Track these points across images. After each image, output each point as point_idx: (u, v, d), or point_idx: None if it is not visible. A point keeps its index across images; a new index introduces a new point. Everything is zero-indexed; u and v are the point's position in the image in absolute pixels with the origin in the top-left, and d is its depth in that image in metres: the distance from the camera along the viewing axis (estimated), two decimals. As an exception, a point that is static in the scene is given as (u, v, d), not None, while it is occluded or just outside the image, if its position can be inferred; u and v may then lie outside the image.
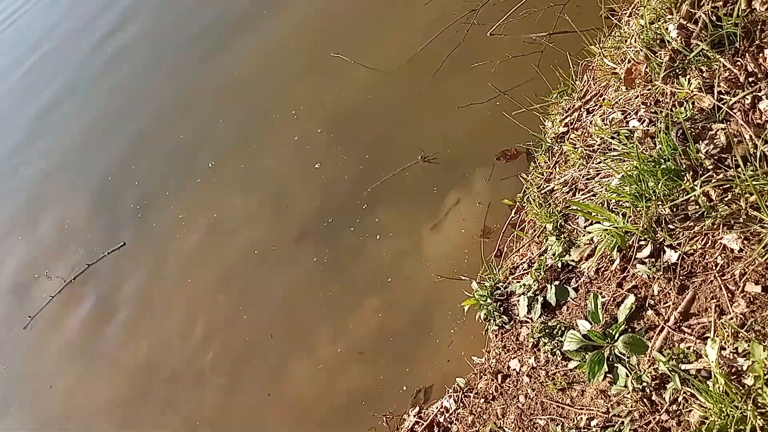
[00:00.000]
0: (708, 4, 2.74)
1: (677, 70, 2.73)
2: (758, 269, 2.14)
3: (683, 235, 2.39)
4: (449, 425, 3.10)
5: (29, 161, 6.54)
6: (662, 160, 2.47)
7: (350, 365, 3.63)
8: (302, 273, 4.11)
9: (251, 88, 5.56)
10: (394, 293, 3.73)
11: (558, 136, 3.41)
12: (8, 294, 5.44)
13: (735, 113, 2.41)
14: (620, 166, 2.63)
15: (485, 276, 3.30)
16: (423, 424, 3.22)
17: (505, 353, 2.99)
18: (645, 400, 2.26)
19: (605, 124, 2.96)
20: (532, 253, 3.15)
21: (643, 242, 2.51)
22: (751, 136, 2.30)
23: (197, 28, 6.55)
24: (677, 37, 2.75)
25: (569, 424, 2.47)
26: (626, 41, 3.11)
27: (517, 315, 2.99)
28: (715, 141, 2.43)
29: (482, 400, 2.96)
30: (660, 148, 2.50)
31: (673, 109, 2.63)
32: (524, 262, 3.16)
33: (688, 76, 2.67)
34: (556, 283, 2.85)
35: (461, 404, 3.08)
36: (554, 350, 2.68)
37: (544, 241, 3.04)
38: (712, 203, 2.31)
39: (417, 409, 3.34)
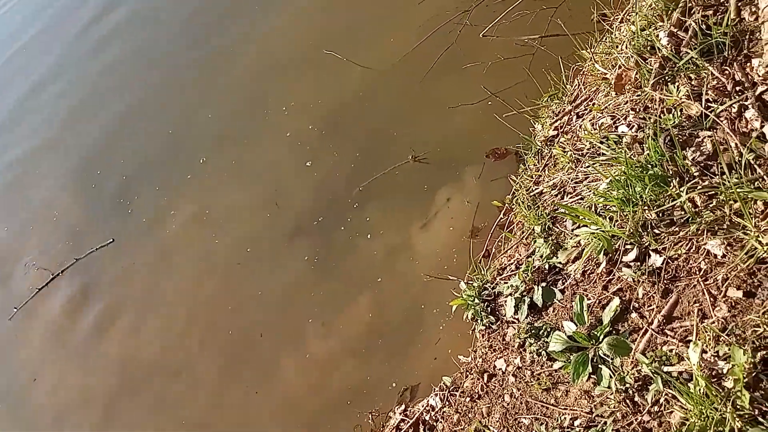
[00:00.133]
0: (698, 13, 2.78)
1: (666, 77, 2.77)
2: (740, 275, 2.18)
3: (668, 239, 2.43)
4: (435, 423, 3.13)
5: (15, 147, 6.48)
6: (650, 166, 2.50)
7: (339, 363, 3.66)
8: (293, 271, 4.13)
9: (241, 82, 5.54)
10: (383, 292, 3.76)
11: (548, 139, 3.45)
12: (-6, 284, 5.40)
13: (722, 121, 2.45)
14: (608, 171, 2.67)
15: (473, 276, 3.33)
16: (408, 421, 3.25)
17: (492, 353, 3.02)
18: (628, 401, 2.30)
19: (594, 129, 3.00)
20: (520, 255, 3.18)
21: (629, 246, 2.54)
22: (736, 144, 2.34)
23: (187, 20, 6.51)
24: (667, 44, 2.79)
25: (553, 424, 2.51)
26: (617, 47, 3.14)
27: (504, 315, 3.02)
28: (701, 148, 2.47)
29: (468, 399, 2.99)
30: (648, 154, 2.53)
31: (662, 115, 2.67)
32: (512, 264, 3.20)
33: (677, 84, 2.71)
34: (543, 284, 2.89)
35: (447, 403, 3.11)
36: (540, 351, 2.72)
37: (532, 243, 3.08)
38: (697, 209, 2.36)
39: (403, 407, 3.37)
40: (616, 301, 2.51)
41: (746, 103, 2.43)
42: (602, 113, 3.03)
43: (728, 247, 2.24)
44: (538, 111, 3.72)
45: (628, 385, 2.31)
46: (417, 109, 4.51)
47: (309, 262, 4.09)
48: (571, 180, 3.03)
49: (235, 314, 4.16)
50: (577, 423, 2.44)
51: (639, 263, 2.51)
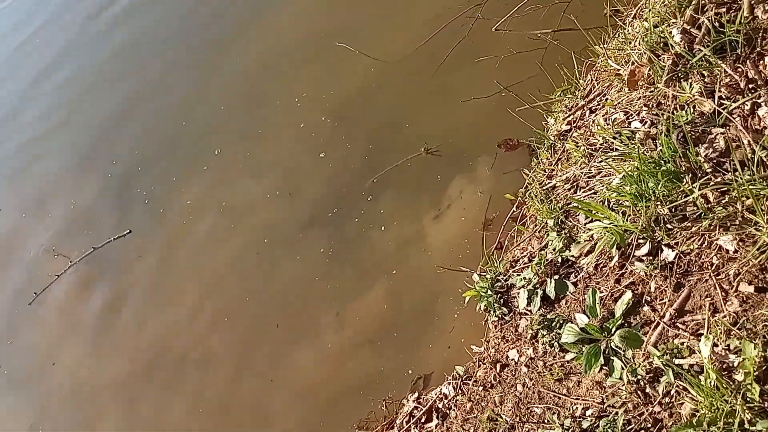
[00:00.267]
0: (711, 11, 2.81)
1: (679, 74, 2.80)
2: (752, 270, 2.23)
3: (681, 234, 2.48)
4: (448, 411, 3.20)
5: (28, 131, 6.55)
6: (662, 162, 2.55)
7: (353, 353, 3.74)
8: (309, 263, 4.18)
9: (253, 72, 5.56)
10: (397, 282, 3.83)
11: (560, 134, 3.49)
12: (14, 269, 5.47)
13: (734, 118, 2.50)
14: (621, 166, 2.72)
15: (486, 268, 3.39)
16: (422, 409, 3.33)
17: (504, 343, 3.09)
18: (639, 392, 2.37)
19: (607, 124, 3.04)
20: (533, 248, 3.24)
21: (641, 240, 2.60)
22: (749, 141, 2.39)
23: (202, 15, 6.53)
24: (680, 41, 2.83)
25: (565, 413, 2.58)
26: (630, 43, 3.17)
27: (517, 307, 3.09)
28: (714, 145, 2.51)
29: (481, 388, 3.06)
30: (661, 150, 2.58)
31: (675, 112, 2.71)
32: (525, 256, 3.26)
33: (689, 80, 2.74)
34: (556, 277, 2.95)
35: (460, 391, 3.19)
36: (552, 342, 2.78)
37: (545, 236, 3.13)
38: (709, 205, 2.40)
39: (416, 395, 3.45)
40: (629, 294, 2.56)
41: (759, 100, 2.48)
42: (615, 109, 3.07)
43: (740, 243, 2.30)
44: (550, 105, 3.75)
45: (639, 377, 2.37)
46: (429, 102, 4.54)
47: (324, 253, 4.15)
48: (584, 174, 3.07)
49: (252, 304, 4.23)
50: (588, 413, 2.51)
51: (651, 257, 2.56)
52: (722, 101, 2.59)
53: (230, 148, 5.10)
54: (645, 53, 2.98)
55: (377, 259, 3.96)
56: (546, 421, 2.64)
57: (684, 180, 2.48)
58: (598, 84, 3.45)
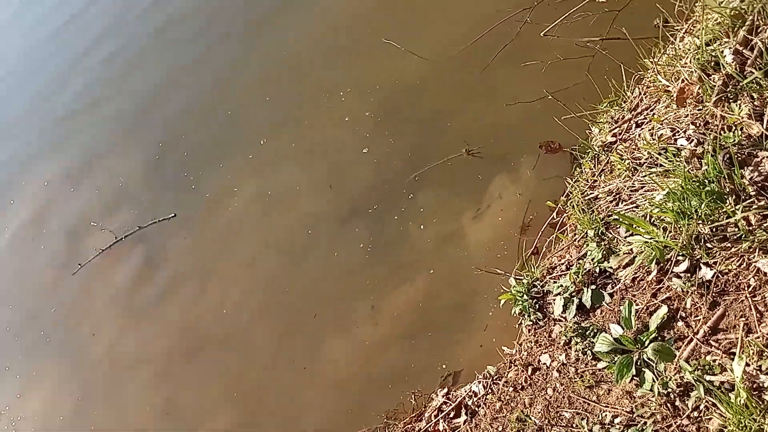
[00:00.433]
0: (765, 32, 2.82)
1: (729, 95, 2.83)
2: (788, 294, 2.29)
3: (720, 254, 2.53)
4: (477, 408, 3.30)
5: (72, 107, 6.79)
6: (707, 182, 2.60)
7: (386, 347, 3.85)
8: (349, 257, 4.30)
9: (299, 65, 5.67)
10: (434, 280, 3.93)
11: (605, 145, 3.54)
12: (61, 239, 5.70)
13: (782, 143, 2.53)
14: (665, 182, 2.76)
15: (522, 273, 3.47)
16: (451, 404, 3.44)
17: (537, 348, 3.17)
18: (668, 404, 2.44)
19: (653, 139, 3.08)
20: (571, 256, 3.31)
21: (680, 257, 2.65)
22: (795, 167, 2.42)
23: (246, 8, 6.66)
24: (732, 62, 2.85)
25: (594, 419, 2.66)
26: (681, 60, 3.20)
27: (552, 313, 3.17)
28: (759, 168, 2.55)
29: (511, 389, 3.16)
30: (706, 170, 2.62)
31: (722, 132, 2.74)
32: (562, 264, 3.33)
33: (739, 102, 2.77)
34: (593, 287, 3.02)
35: (490, 390, 3.28)
36: (585, 350, 2.86)
37: (584, 245, 3.20)
38: (750, 228, 2.45)
39: (445, 390, 3.55)
40: (664, 308, 2.63)
41: (808, 127, 2.51)
42: (662, 124, 3.11)
43: (779, 267, 2.34)
44: (596, 115, 3.79)
45: (670, 390, 2.44)
46: (473, 103, 4.59)
47: (363, 249, 4.27)
48: (627, 188, 3.12)
49: (291, 294, 4.37)
50: (617, 421, 2.59)
51: (689, 275, 2.62)
52: (770, 125, 2.62)
53: (276, 138, 5.23)
54: (695, 71, 3.00)
55: (415, 257, 4.06)
56: (575, 425, 2.72)
57: (727, 201, 2.52)
58: (645, 98, 3.48)
